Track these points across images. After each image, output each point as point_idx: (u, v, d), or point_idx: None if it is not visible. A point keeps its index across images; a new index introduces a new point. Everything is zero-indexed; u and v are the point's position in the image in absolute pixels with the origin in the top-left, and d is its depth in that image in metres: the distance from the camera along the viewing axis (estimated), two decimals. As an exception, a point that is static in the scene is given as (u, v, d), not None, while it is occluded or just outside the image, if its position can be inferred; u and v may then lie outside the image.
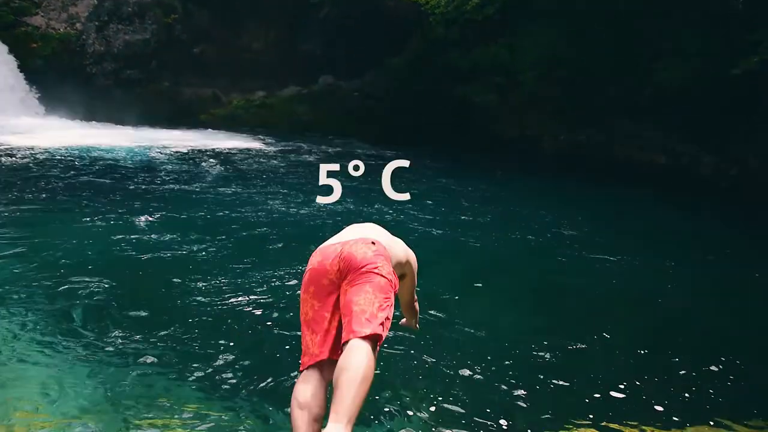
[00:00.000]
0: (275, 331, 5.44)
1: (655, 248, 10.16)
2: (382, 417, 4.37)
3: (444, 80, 23.40)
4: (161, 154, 16.63)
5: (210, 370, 4.73)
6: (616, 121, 19.12)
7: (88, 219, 8.97)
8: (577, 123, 20.35)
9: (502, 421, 4.40)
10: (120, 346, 5.01)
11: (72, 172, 13.02)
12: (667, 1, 17.53)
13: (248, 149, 19.00)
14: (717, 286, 8.32)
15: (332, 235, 3.48)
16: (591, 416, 4.58)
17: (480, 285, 7.50)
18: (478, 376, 5.04)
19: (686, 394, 5.04)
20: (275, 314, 5.80)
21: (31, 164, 13.66)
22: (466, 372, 5.10)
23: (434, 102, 23.70)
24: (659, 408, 4.79)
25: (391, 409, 4.46)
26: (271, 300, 6.13)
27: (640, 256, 9.32)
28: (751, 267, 9.45)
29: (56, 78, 21.82)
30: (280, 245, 8.33)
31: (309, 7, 26.80)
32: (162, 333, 5.29)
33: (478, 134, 22.88)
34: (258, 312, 5.85)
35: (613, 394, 4.95)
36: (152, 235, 8.21)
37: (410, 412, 4.44)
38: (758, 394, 5.16)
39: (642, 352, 5.85)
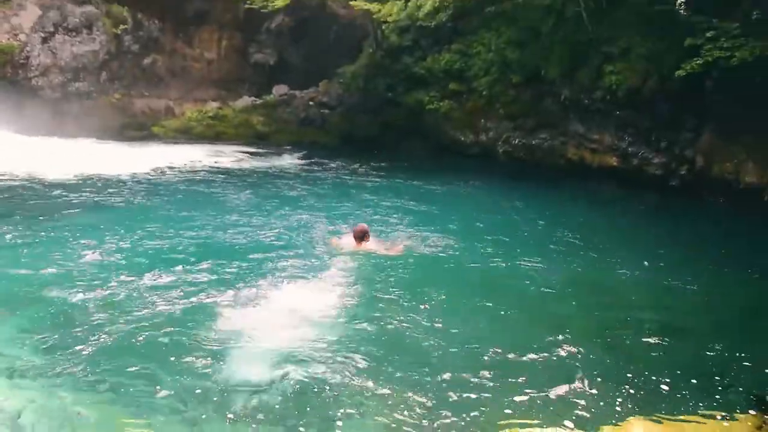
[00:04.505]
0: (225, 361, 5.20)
1: (610, 247, 10.24)
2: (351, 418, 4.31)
3: (399, 87, 23.42)
4: (114, 169, 16.08)
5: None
6: (570, 124, 19.31)
7: (23, 242, 8.60)
8: (531, 127, 20.49)
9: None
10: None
11: (9, 192, 12.56)
12: (613, 7, 17.82)
13: (208, 163, 18.62)
14: (669, 280, 8.38)
15: None
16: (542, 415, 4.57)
17: (441, 294, 7.46)
18: (440, 380, 5.02)
19: (633, 389, 5.05)
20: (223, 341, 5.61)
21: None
22: (427, 377, 5.07)
23: (390, 109, 23.70)
24: (605, 403, 4.79)
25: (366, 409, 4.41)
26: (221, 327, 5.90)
27: (595, 257, 9.38)
28: (705, 260, 9.61)
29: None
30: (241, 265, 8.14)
31: (262, 17, 26.55)
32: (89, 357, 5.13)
33: (434, 140, 22.94)
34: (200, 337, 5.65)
35: (566, 392, 4.93)
36: (92, 262, 7.93)
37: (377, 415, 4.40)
38: (699, 386, 5.20)
39: (594, 348, 5.83)
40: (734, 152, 15.37)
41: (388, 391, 4.76)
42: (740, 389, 5.13)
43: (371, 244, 8.88)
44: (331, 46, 28.28)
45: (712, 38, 14.16)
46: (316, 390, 4.75)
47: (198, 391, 4.67)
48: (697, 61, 14.34)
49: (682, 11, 16.23)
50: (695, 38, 14.50)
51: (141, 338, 5.47)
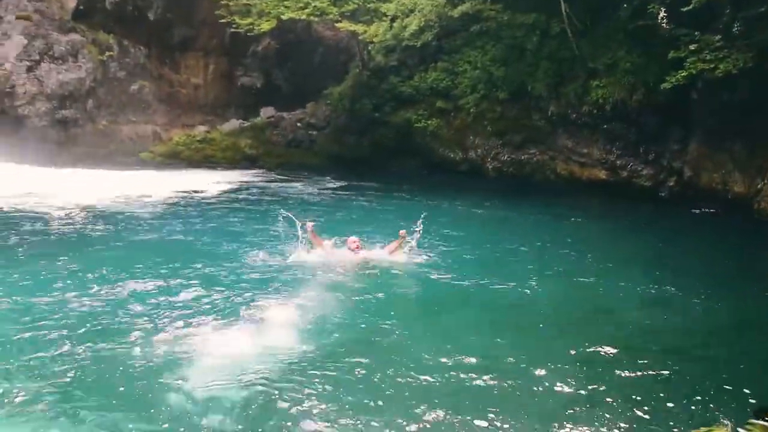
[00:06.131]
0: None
1: (607, 262, 10.26)
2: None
3: (386, 106, 23.50)
4: (104, 198, 15.81)
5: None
6: (558, 138, 19.48)
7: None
8: (519, 143, 20.66)
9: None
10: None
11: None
12: (597, 24, 18.09)
13: (193, 190, 18.41)
14: (668, 294, 8.39)
15: None
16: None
17: (439, 312, 7.53)
18: (439, 399, 4.96)
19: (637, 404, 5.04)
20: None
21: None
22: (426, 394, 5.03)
23: (378, 128, 23.77)
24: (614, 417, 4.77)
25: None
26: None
27: (591, 272, 9.39)
28: (700, 271, 9.64)
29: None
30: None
31: (247, 41, 26.66)
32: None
33: (424, 158, 23.02)
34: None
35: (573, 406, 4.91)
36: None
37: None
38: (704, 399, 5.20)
39: (594, 365, 5.82)
40: (721, 163, 15.55)
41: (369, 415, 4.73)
42: (742, 401, 5.12)
43: (365, 253, 9.38)
44: (317, 68, 28.45)
45: (695, 51, 14.36)
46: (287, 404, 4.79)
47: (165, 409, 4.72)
48: (682, 74, 14.53)
49: (664, 25, 16.50)
50: (679, 51, 14.72)
51: (115, 356, 5.52)
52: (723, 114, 15.05)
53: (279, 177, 21.86)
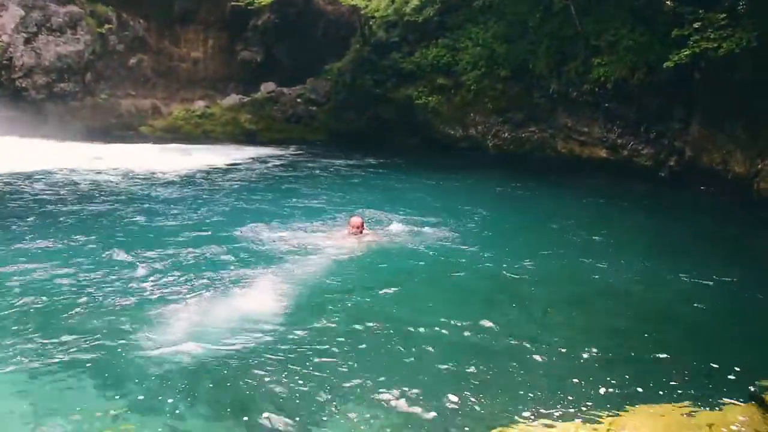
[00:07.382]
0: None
1: (602, 242, 10.27)
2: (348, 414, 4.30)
3: (387, 83, 23.37)
4: (100, 173, 15.88)
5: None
6: (558, 117, 19.36)
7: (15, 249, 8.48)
8: (520, 120, 20.54)
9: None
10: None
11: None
12: (600, 0, 17.87)
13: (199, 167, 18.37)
14: (665, 274, 8.40)
15: None
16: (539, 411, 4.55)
17: (436, 287, 7.61)
18: (436, 375, 5.01)
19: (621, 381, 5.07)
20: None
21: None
22: (424, 369, 5.05)
23: (379, 104, 23.65)
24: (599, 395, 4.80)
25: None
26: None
27: (588, 250, 9.39)
28: (698, 251, 9.65)
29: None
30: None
31: (248, 14, 26.41)
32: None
33: (424, 135, 22.92)
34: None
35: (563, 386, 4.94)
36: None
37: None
38: (685, 378, 5.23)
39: (592, 342, 5.83)
40: (722, 143, 15.44)
41: (365, 391, 4.74)
42: (734, 381, 5.14)
43: (368, 235, 9.18)
44: (318, 43, 28.20)
45: (699, 29, 14.20)
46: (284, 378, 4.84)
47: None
48: (685, 52, 14.39)
49: (668, 2, 16.29)
50: (682, 29, 14.56)
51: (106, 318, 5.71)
52: (725, 94, 14.93)
53: (292, 153, 21.90)
